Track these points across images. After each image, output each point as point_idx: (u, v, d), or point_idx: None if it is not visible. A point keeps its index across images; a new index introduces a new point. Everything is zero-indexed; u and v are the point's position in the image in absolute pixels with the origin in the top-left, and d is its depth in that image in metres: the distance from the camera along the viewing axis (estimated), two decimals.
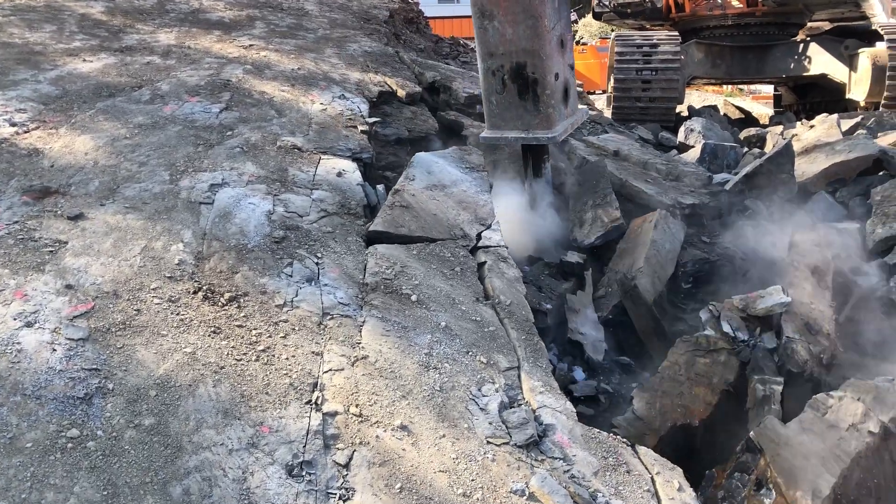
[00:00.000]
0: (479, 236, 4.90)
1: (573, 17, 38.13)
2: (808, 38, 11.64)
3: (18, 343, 3.26)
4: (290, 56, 7.80)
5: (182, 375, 3.28)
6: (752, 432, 3.69)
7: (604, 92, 19.54)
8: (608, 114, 11.63)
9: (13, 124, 5.24)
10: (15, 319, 3.39)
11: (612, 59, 11.94)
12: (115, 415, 3.02)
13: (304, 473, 2.95)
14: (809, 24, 12.18)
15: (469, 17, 6.22)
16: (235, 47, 7.80)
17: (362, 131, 6.20)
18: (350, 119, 6.40)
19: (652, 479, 3.29)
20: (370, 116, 6.62)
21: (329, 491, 2.90)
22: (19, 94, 5.75)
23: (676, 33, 11.53)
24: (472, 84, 8.40)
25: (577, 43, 39.43)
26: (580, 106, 6.99)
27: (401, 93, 7.58)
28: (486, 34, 5.86)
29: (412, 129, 7.02)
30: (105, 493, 2.70)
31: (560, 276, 5.59)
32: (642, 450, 3.47)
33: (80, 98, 5.86)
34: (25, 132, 5.17)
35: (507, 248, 4.88)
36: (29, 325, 3.38)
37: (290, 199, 4.85)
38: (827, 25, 12.20)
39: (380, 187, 5.49)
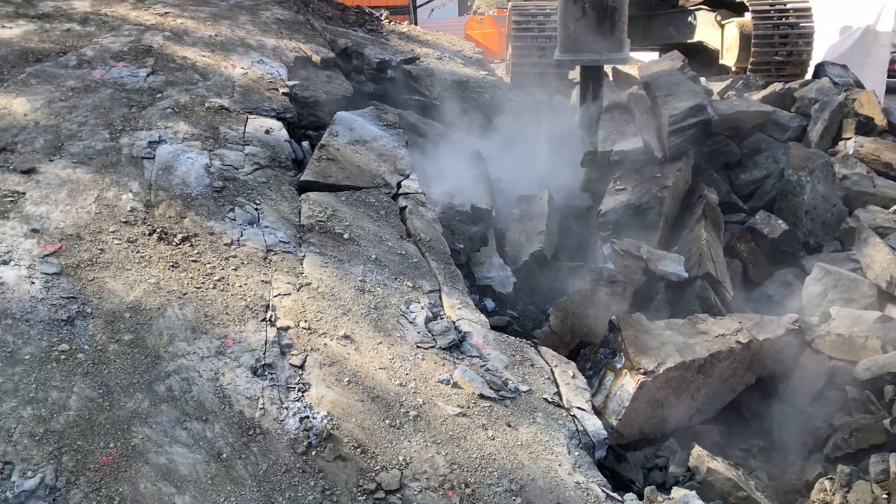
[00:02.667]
0: (399, 185, 5.51)
1: None
2: (687, 9, 12.69)
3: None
4: (205, 23, 8.10)
5: (150, 301, 3.77)
6: (613, 316, 4.49)
7: (502, 61, 20.32)
8: (508, 80, 12.36)
9: None
10: None
11: (509, 28, 12.65)
12: (97, 333, 3.50)
13: (266, 374, 3.52)
14: None
15: None
16: (151, 15, 8.04)
17: (283, 94, 6.65)
18: (271, 82, 6.83)
19: (551, 370, 4.03)
20: (289, 80, 7.07)
21: (289, 386, 3.49)
22: None
23: None
24: (382, 50, 8.92)
25: (475, 13, 40.14)
26: None
27: (315, 58, 8.02)
28: None
29: (328, 91, 7.49)
30: (101, 391, 3.19)
31: (470, 222, 6.25)
32: (543, 349, 4.21)
33: (8, 63, 6.07)
34: None
35: (424, 194, 5.51)
36: (5, 262, 3.77)
37: (224, 154, 5.31)
38: None
39: (304, 143, 6.00)
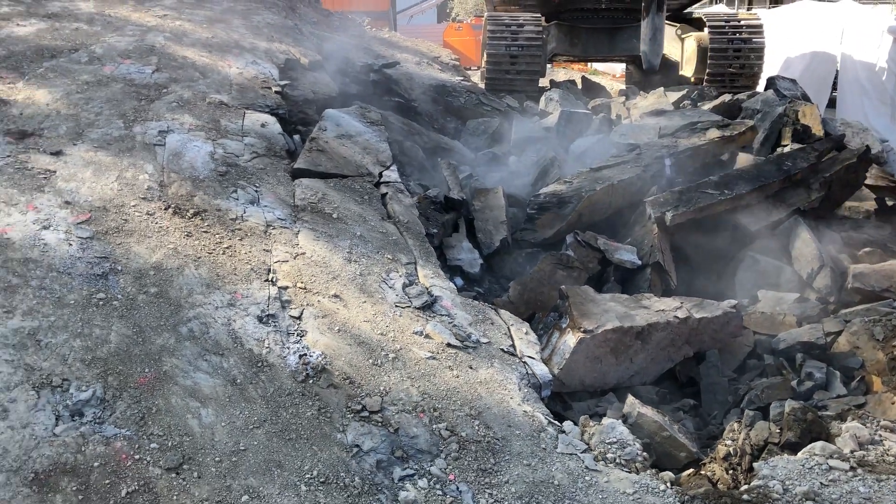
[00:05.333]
0: (380, 174, 6.22)
1: None
2: None
3: (43, 239, 4.32)
4: (202, 26, 8.77)
5: (170, 262, 4.45)
6: (562, 286, 5.23)
7: (478, 68, 21.16)
8: (482, 86, 13.14)
9: None
10: (35, 224, 4.44)
11: (484, 37, 13.44)
12: (128, 286, 4.18)
13: (270, 322, 4.22)
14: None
15: None
16: (152, 17, 8.69)
17: (276, 92, 7.35)
18: (264, 82, 7.53)
19: (508, 328, 4.77)
20: (280, 80, 7.76)
21: (289, 332, 4.19)
22: None
23: (539, 15, 13.15)
24: (364, 55, 9.63)
25: (454, 20, 41.02)
26: None
27: (304, 60, 8.73)
28: None
29: (316, 91, 8.20)
30: (135, 330, 3.88)
31: (443, 210, 6.98)
32: (502, 311, 4.96)
33: (27, 58, 6.71)
34: None
35: (402, 183, 6.23)
36: (46, 227, 4.43)
37: (226, 143, 6.00)
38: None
39: (296, 137, 6.70)
